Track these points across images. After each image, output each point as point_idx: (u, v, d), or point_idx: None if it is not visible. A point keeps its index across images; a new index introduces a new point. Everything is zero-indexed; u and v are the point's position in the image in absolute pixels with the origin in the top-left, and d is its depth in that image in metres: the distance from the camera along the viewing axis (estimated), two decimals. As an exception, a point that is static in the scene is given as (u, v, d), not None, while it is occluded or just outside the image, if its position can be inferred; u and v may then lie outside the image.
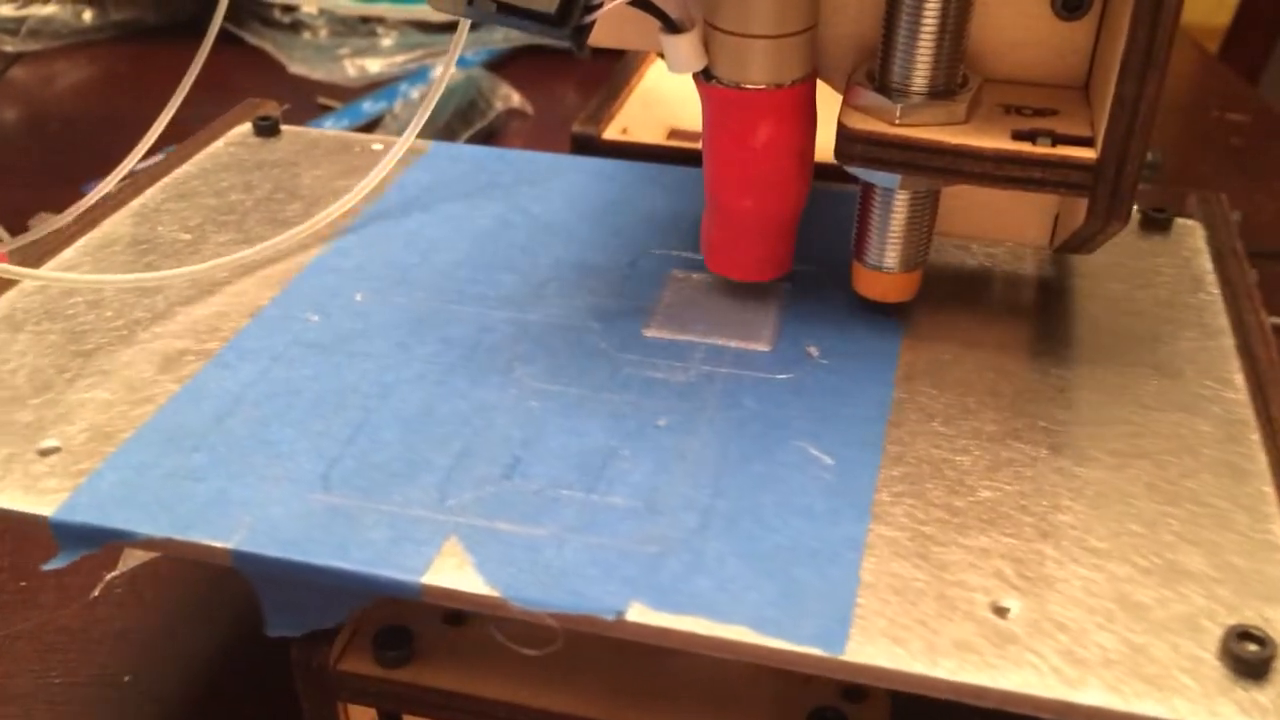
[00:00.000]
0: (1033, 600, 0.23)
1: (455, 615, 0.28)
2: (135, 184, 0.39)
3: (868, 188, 0.30)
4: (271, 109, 0.43)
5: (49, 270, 0.34)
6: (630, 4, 0.26)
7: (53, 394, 0.29)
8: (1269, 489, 0.26)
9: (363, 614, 0.28)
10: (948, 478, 0.26)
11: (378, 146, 0.41)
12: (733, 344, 0.31)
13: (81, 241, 0.36)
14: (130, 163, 0.38)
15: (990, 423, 0.28)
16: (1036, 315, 0.32)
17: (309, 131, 0.43)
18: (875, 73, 0.28)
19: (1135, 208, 0.37)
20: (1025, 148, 0.27)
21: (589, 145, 0.47)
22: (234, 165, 0.40)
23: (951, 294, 0.33)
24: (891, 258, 0.30)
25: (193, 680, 0.35)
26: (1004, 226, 0.34)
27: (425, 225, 0.37)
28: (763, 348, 0.31)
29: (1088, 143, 0.27)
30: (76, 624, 0.37)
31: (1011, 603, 0.23)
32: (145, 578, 0.38)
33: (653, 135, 0.48)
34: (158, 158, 0.57)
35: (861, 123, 0.28)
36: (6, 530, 0.40)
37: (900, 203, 0.30)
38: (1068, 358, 0.30)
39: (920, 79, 0.27)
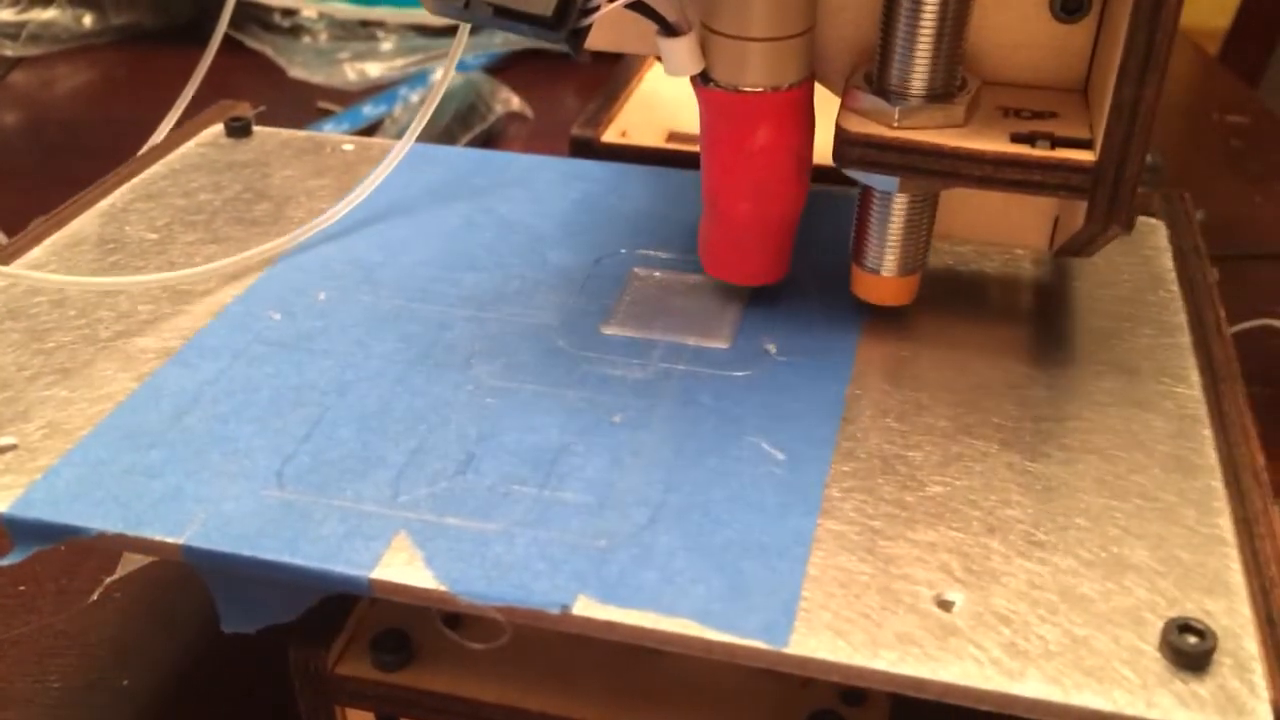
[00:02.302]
0: (977, 593, 0.23)
1: (454, 619, 0.28)
2: (104, 185, 0.39)
3: (866, 191, 0.30)
4: (244, 110, 0.43)
5: (17, 268, 0.34)
6: (627, 7, 0.26)
7: (11, 392, 0.29)
8: (1218, 484, 0.26)
9: (361, 617, 0.28)
10: (899, 473, 0.26)
11: (348, 147, 0.41)
12: (691, 341, 0.31)
13: (49, 241, 0.36)
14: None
15: (943, 419, 0.28)
16: (995, 312, 0.32)
17: (280, 132, 0.43)
18: (873, 75, 0.28)
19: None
20: (1024, 150, 0.27)
21: (588, 148, 0.47)
22: (204, 166, 0.40)
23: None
24: (890, 261, 0.30)
25: (191, 684, 0.35)
26: (1003, 229, 0.34)
27: (394, 225, 0.37)
28: (721, 345, 0.31)
29: (1087, 145, 0.27)
30: (75, 628, 0.37)
31: (955, 596, 0.23)
32: (143, 582, 0.38)
33: (652, 138, 0.48)
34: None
35: (860, 126, 0.28)
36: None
37: (899, 206, 0.30)
38: (1025, 354, 0.31)
39: (918, 82, 0.27)
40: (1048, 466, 0.27)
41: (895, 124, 0.27)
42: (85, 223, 0.37)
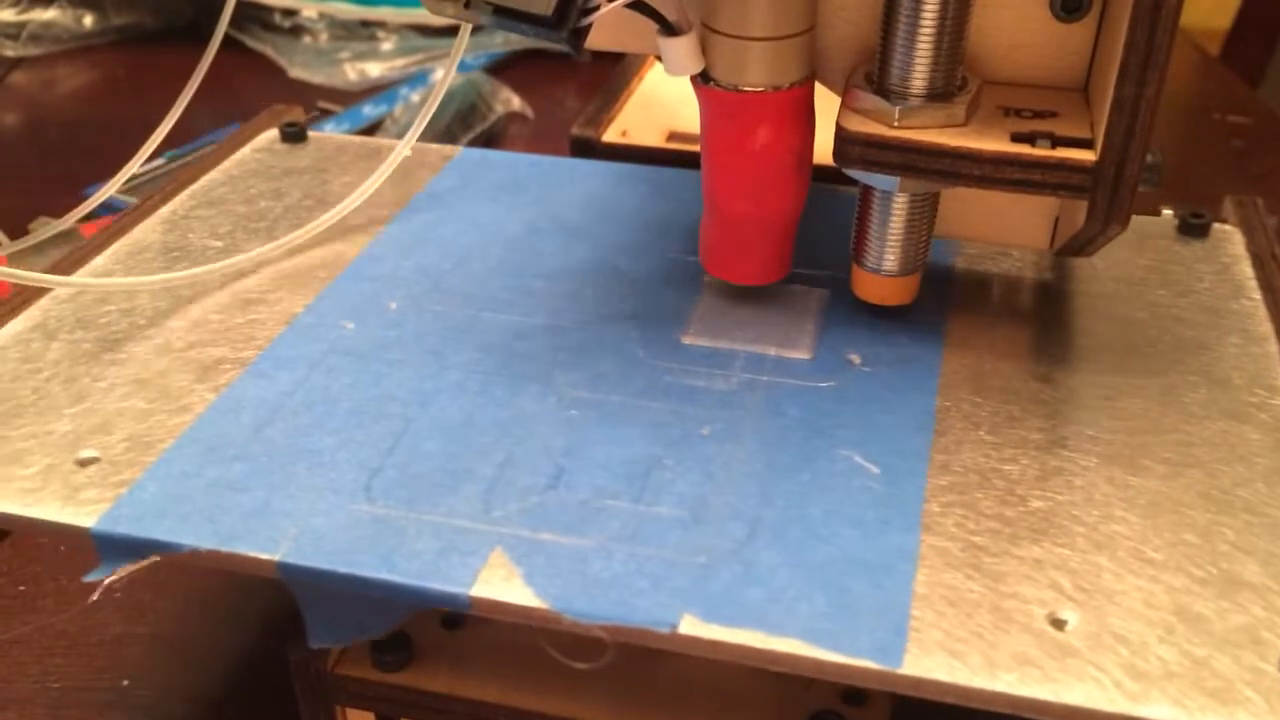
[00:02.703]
0: (1091, 612, 0.23)
1: (453, 619, 0.28)
2: (163, 191, 0.38)
3: (866, 190, 0.30)
4: (297, 115, 0.43)
5: (81, 277, 0.34)
6: (627, 6, 0.26)
7: (89, 403, 0.29)
8: (1322, 498, 0.26)
9: None
10: (997, 487, 0.26)
11: (407, 153, 0.41)
12: (773, 351, 0.31)
13: (113, 249, 0.35)
14: (133, 166, 0.38)
15: (1036, 431, 0.28)
16: (1076, 322, 0.32)
17: (335, 137, 0.43)
18: (874, 75, 0.28)
19: (1171, 213, 0.37)
20: (1024, 150, 0.26)
21: (588, 148, 0.46)
22: (262, 172, 0.40)
23: (988, 301, 0.33)
24: (891, 260, 0.30)
25: (191, 684, 0.35)
26: (1003, 228, 0.33)
27: (456, 232, 0.36)
28: (803, 355, 0.30)
29: (1087, 145, 0.26)
30: (75, 628, 0.37)
31: (1069, 615, 0.23)
32: (144, 582, 0.38)
33: (652, 138, 0.48)
34: (159, 161, 0.57)
35: (860, 125, 0.28)
36: (5, 534, 0.39)
37: (899, 205, 0.30)
38: (1112, 365, 0.30)
39: (919, 81, 0.27)
40: (1149, 480, 0.26)
41: (896, 123, 0.27)
42: (148, 230, 0.36)
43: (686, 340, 0.31)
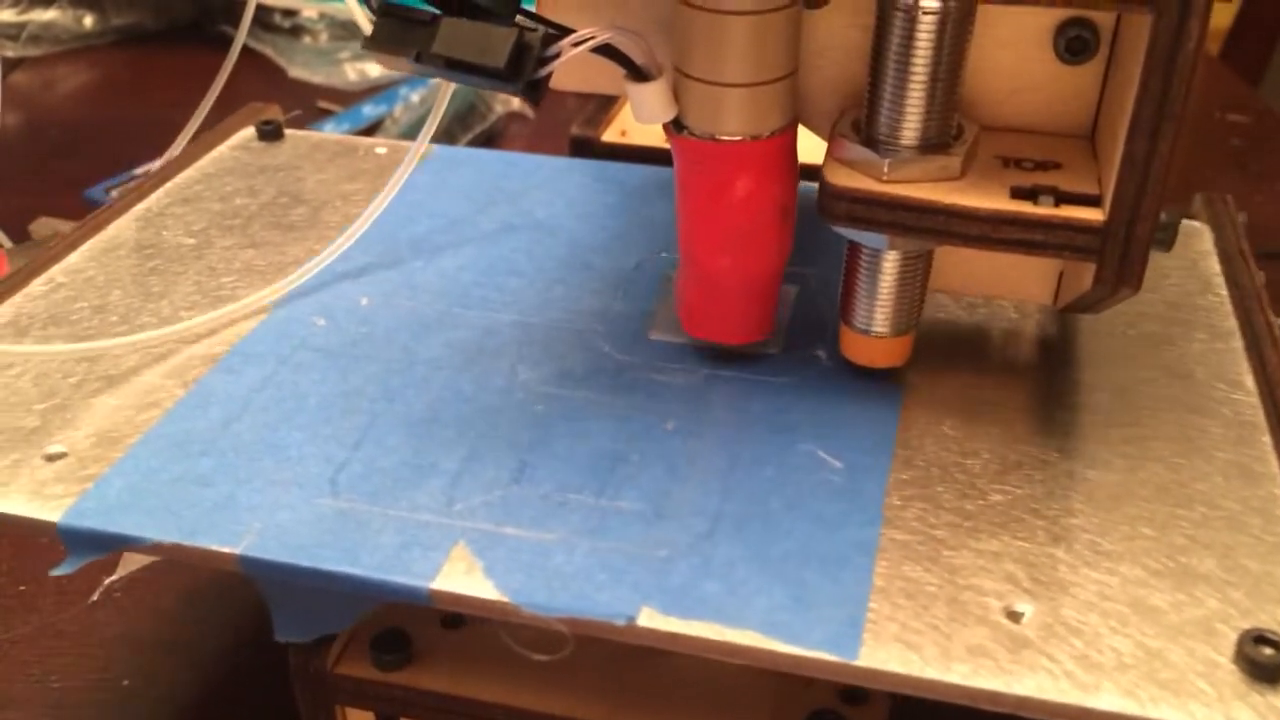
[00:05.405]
0: (1046, 604, 0.23)
1: (453, 619, 0.28)
2: (139, 189, 0.38)
3: (854, 247, 0.28)
4: (274, 113, 0.43)
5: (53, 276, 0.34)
6: (593, 51, 0.24)
7: (59, 399, 0.29)
8: (1281, 491, 0.26)
9: (360, 617, 0.28)
10: (958, 481, 0.26)
11: (381, 150, 0.41)
12: (740, 347, 0.31)
13: (86, 246, 0.36)
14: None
15: (999, 425, 0.28)
16: (1044, 317, 0.32)
17: (311, 135, 0.43)
18: (861, 122, 0.26)
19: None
20: (1025, 208, 0.24)
21: (588, 148, 0.47)
22: (238, 169, 0.40)
23: (954, 300, 0.33)
24: (881, 322, 0.28)
25: (191, 684, 0.35)
26: (1003, 284, 0.30)
27: (430, 229, 0.37)
28: (770, 351, 0.31)
29: (1094, 201, 0.25)
30: (75, 628, 0.37)
31: (1024, 607, 0.23)
32: (143, 582, 0.38)
33: (651, 138, 0.48)
34: (159, 162, 0.57)
35: (846, 179, 0.26)
36: (5, 535, 0.40)
37: (889, 264, 0.27)
38: (1077, 360, 0.30)
39: (910, 131, 0.25)
40: (1109, 474, 0.26)
41: (885, 177, 0.25)
42: (122, 227, 0.36)
43: (653, 336, 0.31)
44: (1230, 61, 0.97)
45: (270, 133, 0.42)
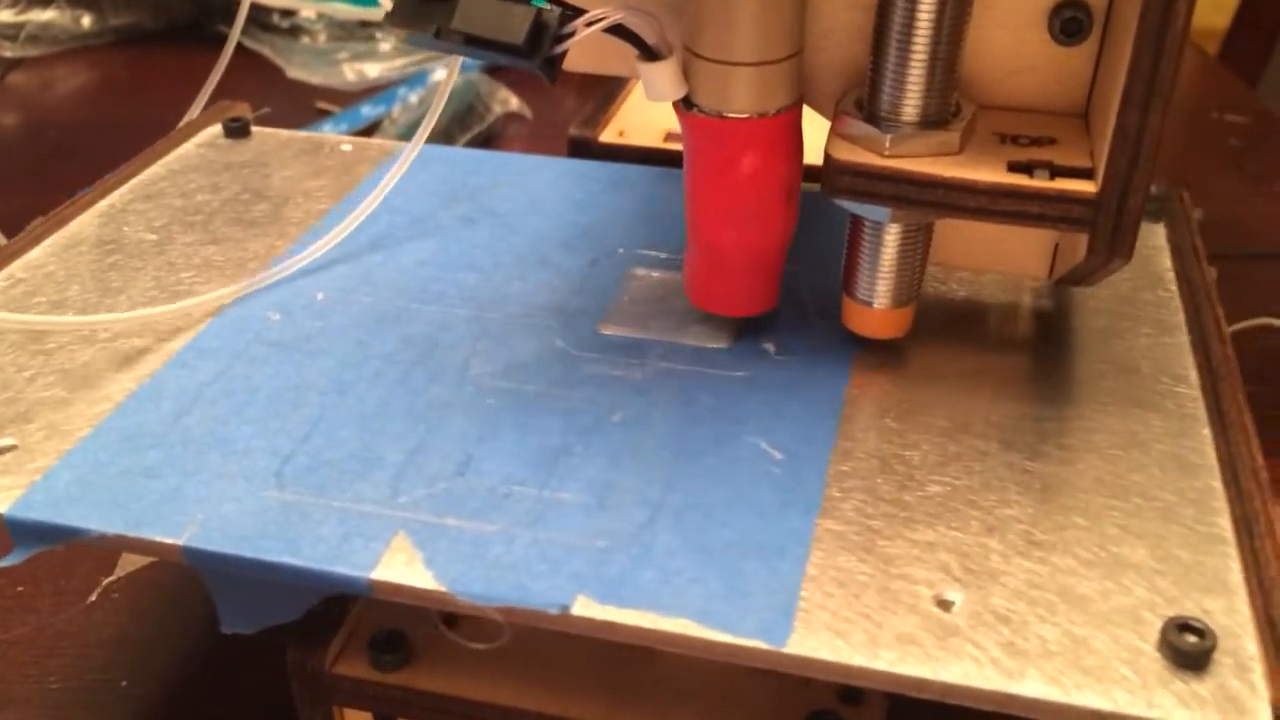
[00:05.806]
0: (976, 593, 0.23)
1: (453, 619, 0.28)
2: (103, 185, 0.39)
3: (856, 220, 0.29)
4: (242, 110, 0.43)
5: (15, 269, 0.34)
6: (606, 31, 0.25)
7: (11, 392, 0.29)
8: (1217, 483, 0.26)
9: (359, 617, 0.28)
10: (897, 473, 0.26)
11: (346, 147, 0.41)
12: (690, 341, 0.31)
13: (48, 241, 0.36)
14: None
15: (942, 418, 0.28)
16: (995, 311, 0.32)
17: (279, 133, 0.43)
18: (864, 100, 0.27)
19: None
20: (1022, 181, 0.26)
21: (586, 148, 0.47)
22: (203, 166, 0.40)
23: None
24: (883, 293, 0.29)
25: (189, 685, 0.35)
26: (1001, 257, 0.32)
27: (392, 225, 0.37)
28: (721, 345, 0.31)
29: (1088, 175, 0.26)
30: (74, 629, 0.37)
31: (955, 596, 0.23)
32: (142, 582, 0.38)
33: (649, 138, 0.48)
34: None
35: (849, 154, 0.27)
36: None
37: (891, 237, 0.28)
38: (1024, 352, 0.31)
39: (911, 108, 0.26)
40: (1047, 466, 0.27)
41: (886, 152, 0.26)
42: (84, 223, 0.37)
43: (606, 331, 0.32)
44: (1228, 62, 0.97)
45: (237, 130, 0.42)
